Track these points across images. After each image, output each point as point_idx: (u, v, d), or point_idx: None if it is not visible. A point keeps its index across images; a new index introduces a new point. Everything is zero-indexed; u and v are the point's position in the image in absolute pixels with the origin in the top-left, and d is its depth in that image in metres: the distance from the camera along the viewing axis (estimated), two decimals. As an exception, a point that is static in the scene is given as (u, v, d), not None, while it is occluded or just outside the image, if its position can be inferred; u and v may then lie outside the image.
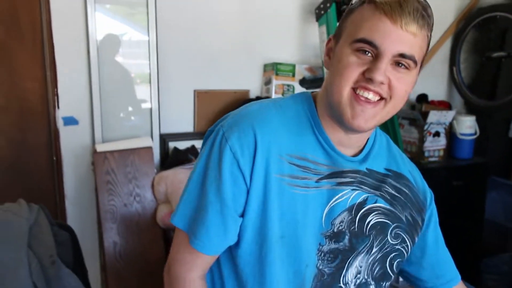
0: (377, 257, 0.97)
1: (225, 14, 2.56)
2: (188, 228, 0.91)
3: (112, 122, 2.43)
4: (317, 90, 0.98)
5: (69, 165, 2.40)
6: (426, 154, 2.75)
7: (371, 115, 0.86)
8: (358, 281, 0.97)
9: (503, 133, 3.11)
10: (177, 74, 2.54)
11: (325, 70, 0.88)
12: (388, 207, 0.97)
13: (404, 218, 1.00)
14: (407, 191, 1.02)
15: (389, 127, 2.68)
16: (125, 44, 2.44)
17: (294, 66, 2.66)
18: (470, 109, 3.16)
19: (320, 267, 0.92)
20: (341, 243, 0.92)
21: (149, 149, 2.37)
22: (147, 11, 2.38)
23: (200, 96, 2.58)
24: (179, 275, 0.93)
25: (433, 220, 1.08)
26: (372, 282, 0.98)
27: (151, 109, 2.49)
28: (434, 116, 2.69)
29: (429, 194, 1.08)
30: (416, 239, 1.04)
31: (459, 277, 1.11)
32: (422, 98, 3.00)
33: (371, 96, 0.84)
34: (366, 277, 0.97)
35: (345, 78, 0.84)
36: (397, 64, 0.83)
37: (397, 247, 0.99)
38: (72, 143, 2.38)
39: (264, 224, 0.88)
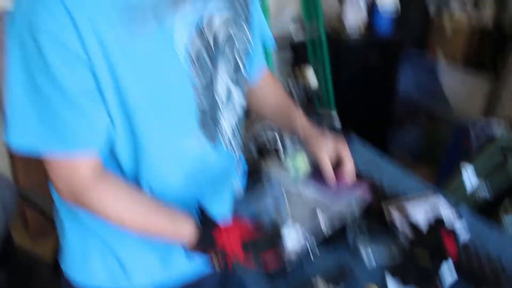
0: (233, 64, 0.95)
1: None
2: (42, 140, 0.77)
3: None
4: None
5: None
6: (347, 29, 2.73)
7: None
8: (226, 92, 0.95)
9: (422, 10, 3.13)
10: None
11: None
12: (232, 13, 0.92)
13: (242, 20, 0.95)
14: None
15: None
16: None
17: None
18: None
19: (198, 102, 0.88)
20: (206, 70, 0.87)
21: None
22: None
23: None
24: (82, 191, 0.82)
25: (256, 9, 1.05)
26: (232, 88, 0.96)
27: None
28: (355, -13, 2.63)
29: None
30: (251, 25, 1.01)
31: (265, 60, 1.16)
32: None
33: None
34: (229, 85, 0.95)
35: None
36: None
37: (242, 46, 0.96)
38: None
39: (123, 93, 0.79)
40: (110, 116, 0.81)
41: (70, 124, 0.78)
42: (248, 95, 1.07)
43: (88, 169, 0.82)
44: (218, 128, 0.96)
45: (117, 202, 0.85)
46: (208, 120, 0.92)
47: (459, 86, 3.06)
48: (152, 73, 0.81)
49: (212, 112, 0.92)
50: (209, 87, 0.90)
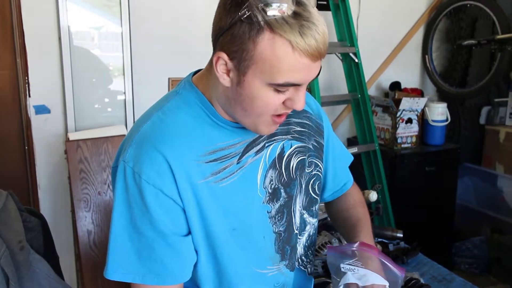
0: (304, 190, 1.02)
1: (199, 1, 2.56)
2: (138, 275, 0.86)
3: (86, 111, 2.41)
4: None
5: (41, 154, 2.37)
6: (399, 140, 2.79)
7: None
8: (300, 216, 1.01)
9: (474, 120, 3.18)
10: (151, 64, 2.53)
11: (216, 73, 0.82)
12: (301, 144, 1.01)
13: (312, 146, 1.04)
14: (308, 122, 1.05)
15: (362, 114, 2.72)
16: (100, 36, 2.42)
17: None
18: (442, 96, 3.21)
19: (276, 230, 0.95)
20: (281, 198, 0.95)
21: (123, 137, 2.35)
22: (120, 2, 2.36)
23: (175, 84, 2.57)
24: None
25: (330, 135, 1.12)
26: (304, 212, 1.03)
27: (125, 100, 2.48)
28: (406, 103, 2.73)
29: (322, 113, 1.10)
30: (324, 158, 1.09)
31: (352, 179, 1.20)
32: (395, 85, 3.04)
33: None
34: (302, 211, 1.02)
35: (265, 113, 0.83)
36: None
37: (313, 173, 1.04)
38: (44, 131, 2.35)
39: (209, 230, 0.88)
40: (195, 246, 0.89)
41: (165, 263, 0.85)
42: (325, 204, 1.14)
43: None
44: (295, 254, 1.01)
45: None
46: (285, 244, 0.97)
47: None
48: (234, 207, 0.90)
49: (289, 238, 0.98)
50: (283, 213, 0.96)
